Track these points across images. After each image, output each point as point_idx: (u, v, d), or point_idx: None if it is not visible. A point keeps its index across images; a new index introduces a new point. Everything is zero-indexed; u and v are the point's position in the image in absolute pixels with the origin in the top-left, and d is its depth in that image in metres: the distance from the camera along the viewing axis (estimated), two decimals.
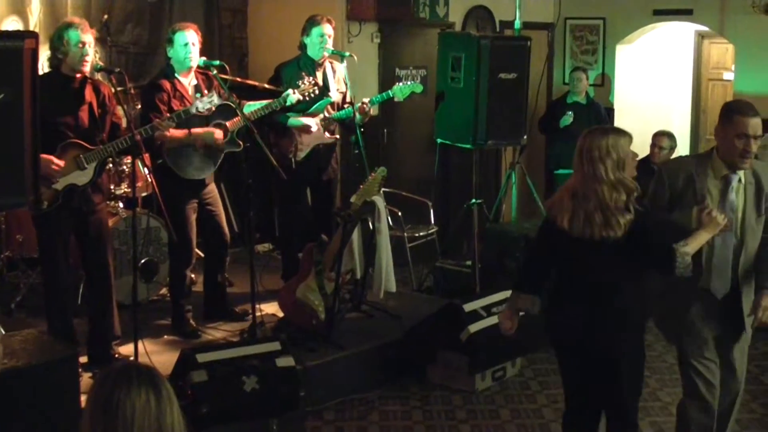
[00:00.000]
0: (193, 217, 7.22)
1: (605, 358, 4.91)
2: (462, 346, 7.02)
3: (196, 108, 6.80)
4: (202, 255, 7.82)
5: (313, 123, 7.85)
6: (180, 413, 2.71)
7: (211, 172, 7.23)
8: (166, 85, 7.00)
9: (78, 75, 6.29)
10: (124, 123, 6.58)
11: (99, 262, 6.55)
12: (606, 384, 4.97)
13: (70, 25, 6.29)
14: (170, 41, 7.05)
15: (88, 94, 6.35)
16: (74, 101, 6.29)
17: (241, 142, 7.18)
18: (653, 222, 4.87)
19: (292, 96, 7.39)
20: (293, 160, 7.86)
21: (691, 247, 4.78)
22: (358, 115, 7.86)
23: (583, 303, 4.89)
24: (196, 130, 6.98)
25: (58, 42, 6.24)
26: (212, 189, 7.37)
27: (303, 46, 7.93)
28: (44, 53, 6.66)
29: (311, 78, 7.64)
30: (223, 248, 7.52)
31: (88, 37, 6.26)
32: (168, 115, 6.74)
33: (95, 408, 2.64)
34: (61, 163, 6.12)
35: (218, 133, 7.06)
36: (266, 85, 7.83)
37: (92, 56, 6.29)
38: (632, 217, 4.73)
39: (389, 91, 8.13)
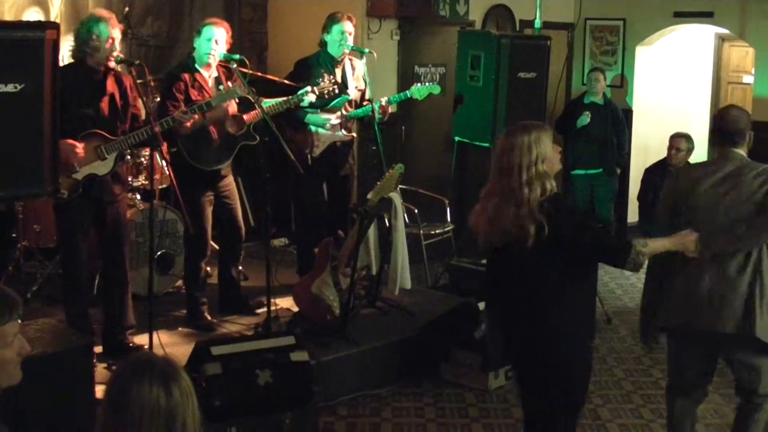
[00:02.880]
0: (209, 209, 7.23)
1: None
2: (476, 345, 7.02)
3: (217, 100, 6.82)
4: (217, 248, 7.84)
5: (332, 118, 7.85)
6: (197, 409, 2.71)
7: (226, 164, 7.22)
8: (185, 75, 7.01)
9: (101, 67, 6.32)
10: (143, 115, 6.59)
11: (116, 252, 6.58)
12: None
13: (100, 20, 6.29)
14: (199, 32, 7.08)
15: (110, 85, 6.37)
16: (96, 92, 6.32)
17: (257, 136, 7.18)
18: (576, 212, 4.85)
19: (309, 95, 7.39)
20: (309, 156, 7.87)
21: (649, 248, 4.79)
22: (378, 114, 7.85)
23: None
24: (210, 114, 6.98)
25: (86, 35, 6.24)
26: (230, 182, 7.38)
27: (323, 43, 7.93)
28: (65, 44, 6.68)
29: (331, 76, 7.64)
30: (238, 241, 7.53)
31: (117, 33, 6.29)
32: (184, 107, 6.76)
33: (107, 402, 2.66)
34: (81, 144, 6.14)
35: (231, 107, 7.07)
36: (286, 81, 7.84)
37: (117, 50, 6.32)
38: (545, 218, 4.51)
39: (407, 92, 8.14)
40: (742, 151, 5.22)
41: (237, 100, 7.00)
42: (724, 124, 5.25)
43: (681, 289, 5.19)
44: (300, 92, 7.37)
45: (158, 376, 2.63)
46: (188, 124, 6.76)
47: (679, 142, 9.05)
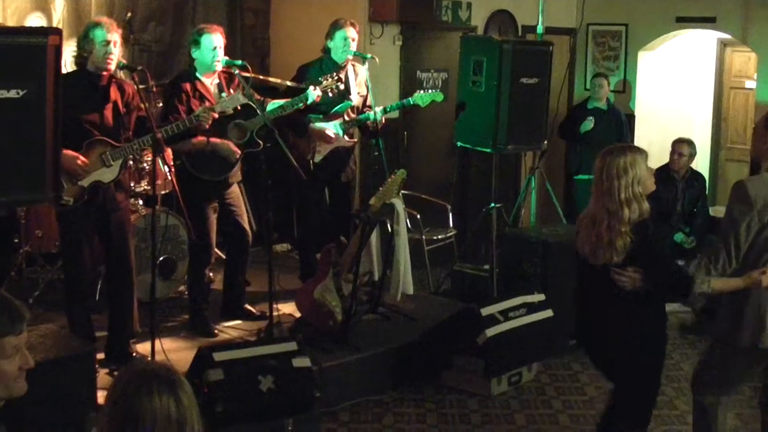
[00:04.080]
0: (213, 217, 7.24)
1: None
2: (478, 350, 7.01)
3: (222, 108, 6.83)
4: (223, 256, 7.84)
5: (332, 132, 7.85)
6: (199, 416, 2.72)
7: (229, 174, 7.22)
8: (186, 86, 7.01)
9: (104, 73, 6.31)
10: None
11: (121, 260, 6.57)
12: None
13: (96, 24, 6.32)
14: (196, 43, 7.04)
15: (113, 92, 6.38)
16: (100, 99, 6.32)
17: (261, 142, 7.18)
18: (655, 242, 4.92)
19: (313, 93, 7.37)
20: (311, 161, 7.87)
21: (714, 285, 4.83)
22: (372, 122, 7.85)
23: None
24: (214, 140, 6.97)
25: (83, 40, 6.28)
26: (234, 189, 7.39)
27: (327, 50, 7.93)
28: (68, 50, 6.69)
29: (334, 74, 7.63)
30: (245, 249, 7.52)
31: (114, 36, 6.27)
32: (184, 116, 6.76)
33: (115, 414, 2.65)
34: (86, 159, 6.15)
35: (235, 149, 7.06)
36: (289, 83, 7.84)
37: (117, 55, 6.31)
38: (634, 240, 4.82)
39: (410, 99, 8.15)
40: None
41: (239, 107, 6.99)
42: None
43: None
44: (304, 93, 7.35)
45: (165, 385, 2.64)
46: (207, 125, 6.77)
47: (682, 146, 9.06)
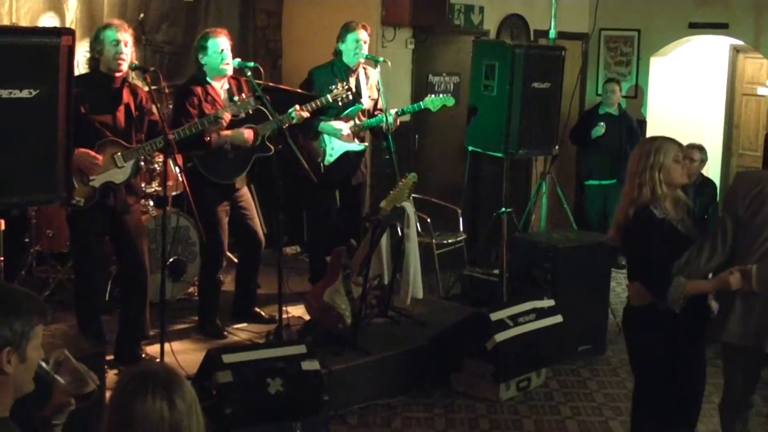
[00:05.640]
0: (225, 219, 7.24)
1: None
2: (487, 355, 7.00)
3: (233, 112, 6.83)
4: (234, 258, 7.84)
5: (345, 127, 7.85)
6: (201, 417, 2.72)
7: (241, 176, 7.24)
8: (197, 90, 7.01)
9: (117, 75, 6.33)
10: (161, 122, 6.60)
11: (135, 263, 6.57)
12: None
13: (107, 26, 6.36)
14: (203, 48, 7.04)
15: (126, 95, 6.40)
16: (112, 101, 6.33)
17: (272, 146, 7.18)
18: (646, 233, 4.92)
19: (296, 114, 7.25)
20: (322, 164, 7.88)
21: (688, 290, 4.81)
22: (386, 125, 7.83)
23: None
24: (225, 132, 6.98)
25: (95, 42, 6.31)
26: (245, 192, 7.39)
27: (338, 53, 7.92)
28: (80, 50, 6.70)
29: (344, 83, 7.63)
30: (257, 252, 7.52)
31: (124, 36, 6.29)
32: (196, 120, 6.76)
33: (112, 415, 2.67)
34: (100, 157, 6.16)
35: (248, 133, 7.06)
36: (298, 90, 7.84)
37: (129, 56, 6.32)
38: (630, 223, 4.95)
39: (421, 103, 8.14)
40: None
41: (251, 111, 6.99)
42: None
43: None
44: (287, 113, 7.25)
45: (161, 389, 2.64)
46: (222, 130, 6.79)
47: (693, 152, 9.02)
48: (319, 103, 7.42)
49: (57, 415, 3.24)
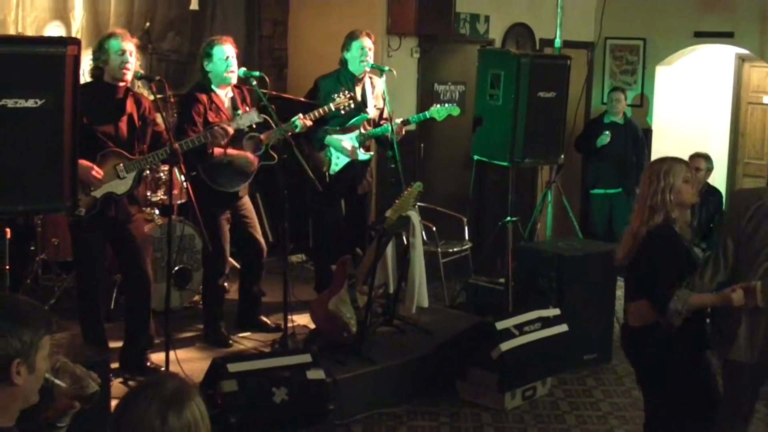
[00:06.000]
0: (227, 227, 7.25)
1: None
2: (493, 364, 6.99)
3: (237, 125, 6.84)
4: (237, 266, 7.84)
5: (350, 144, 7.86)
6: None
7: (244, 186, 7.25)
8: (203, 97, 7.01)
9: (120, 85, 6.33)
10: (165, 133, 6.60)
11: (138, 272, 6.57)
12: None
13: (111, 35, 6.37)
14: (209, 55, 7.04)
15: (129, 105, 6.39)
16: (115, 111, 6.33)
17: (275, 155, 7.18)
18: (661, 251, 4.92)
19: (299, 122, 7.29)
20: (327, 173, 7.88)
21: (691, 302, 4.80)
22: (392, 135, 7.82)
23: None
24: (231, 151, 6.98)
25: (99, 51, 6.31)
26: (246, 201, 7.39)
27: (344, 62, 7.93)
28: (86, 59, 6.71)
29: (348, 91, 7.63)
30: (260, 260, 7.52)
31: (128, 45, 6.29)
32: (201, 129, 6.77)
33: (113, 420, 2.67)
34: (101, 171, 6.16)
35: (252, 159, 7.07)
36: (302, 99, 7.85)
37: (133, 65, 6.33)
38: (643, 246, 4.95)
39: (426, 112, 8.15)
40: None
41: (254, 126, 7.00)
42: None
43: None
44: (291, 121, 7.28)
45: (158, 402, 2.62)
46: (222, 146, 6.80)
47: (699, 161, 9.02)
48: (322, 111, 7.44)
49: (61, 419, 3.25)
